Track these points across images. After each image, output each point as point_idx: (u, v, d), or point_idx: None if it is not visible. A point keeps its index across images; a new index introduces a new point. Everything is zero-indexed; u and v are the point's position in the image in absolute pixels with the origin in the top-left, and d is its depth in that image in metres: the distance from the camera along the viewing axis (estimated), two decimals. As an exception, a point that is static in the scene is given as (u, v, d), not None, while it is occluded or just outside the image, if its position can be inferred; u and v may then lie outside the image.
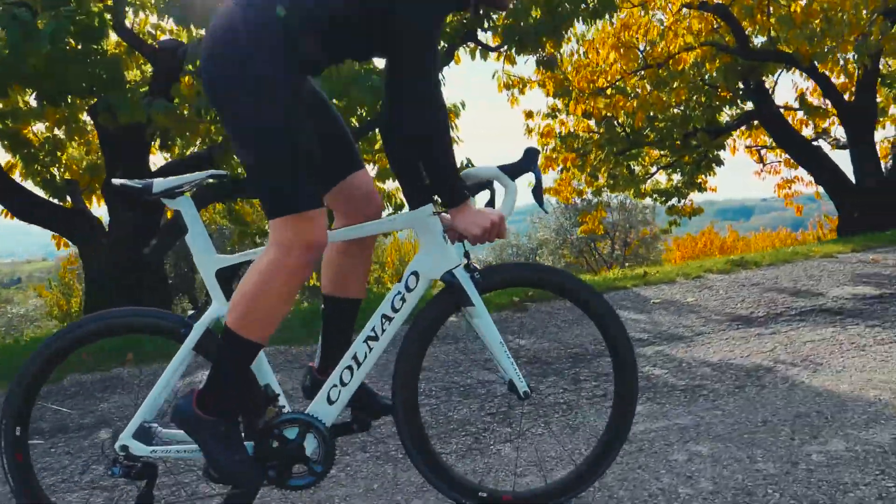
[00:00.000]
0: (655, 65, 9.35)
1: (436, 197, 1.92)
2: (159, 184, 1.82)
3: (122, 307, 1.99)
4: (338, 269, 2.04)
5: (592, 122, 11.92)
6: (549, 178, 12.72)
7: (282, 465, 1.88)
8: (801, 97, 10.22)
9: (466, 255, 1.96)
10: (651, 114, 9.94)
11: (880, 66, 10.19)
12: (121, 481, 2.14)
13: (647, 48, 9.43)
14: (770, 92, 11.06)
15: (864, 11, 8.38)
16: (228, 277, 1.89)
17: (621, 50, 9.69)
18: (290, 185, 1.73)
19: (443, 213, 1.93)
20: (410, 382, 1.98)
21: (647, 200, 16.95)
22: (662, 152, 12.76)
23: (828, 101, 10.33)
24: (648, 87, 9.53)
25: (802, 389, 2.99)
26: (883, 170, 10.38)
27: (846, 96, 10.17)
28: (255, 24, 1.70)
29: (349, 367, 1.92)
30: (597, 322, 2.03)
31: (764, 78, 11.06)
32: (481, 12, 1.84)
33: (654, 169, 14.05)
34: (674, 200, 14.92)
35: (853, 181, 10.51)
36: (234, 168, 9.58)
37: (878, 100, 10.80)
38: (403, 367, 1.97)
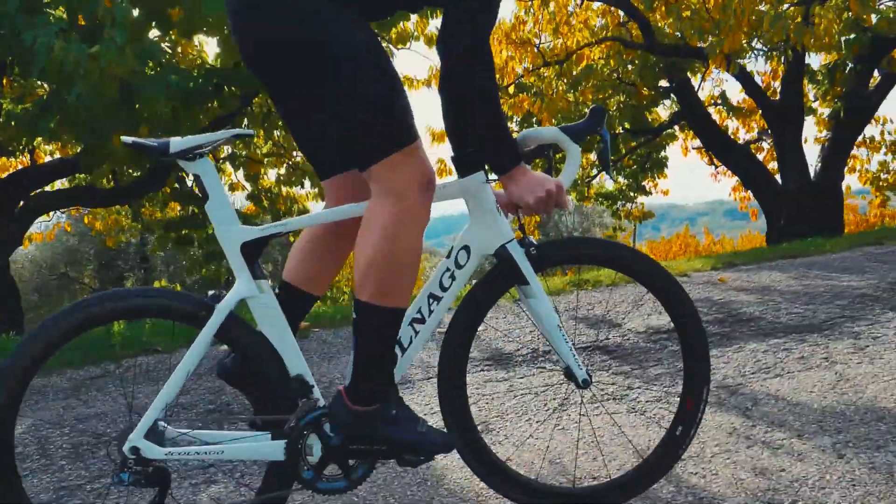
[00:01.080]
0: (555, 62, 8.70)
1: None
2: (177, 143, 1.64)
3: (131, 287, 1.54)
4: (312, 256, 1.85)
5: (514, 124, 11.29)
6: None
7: (317, 465, 1.70)
8: (723, 95, 9.52)
9: (521, 228, 1.84)
10: (559, 114, 9.30)
11: (807, 63, 9.45)
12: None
13: (547, 44, 8.79)
14: (696, 90, 10.36)
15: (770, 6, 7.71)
16: (255, 252, 1.71)
17: (527, 47, 9.04)
18: (392, 115, 1.56)
19: (496, 182, 1.81)
20: (457, 369, 1.87)
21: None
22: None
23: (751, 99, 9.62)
24: (554, 86, 8.91)
25: (440, 473, 2.39)
26: (811, 172, 9.63)
27: (771, 94, 9.45)
28: None
29: None
30: (666, 306, 1.91)
31: (690, 75, 10.40)
32: None
33: (594, 172, 13.41)
34: (619, 204, 14.25)
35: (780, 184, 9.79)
36: (106, 174, 9.08)
37: (812, 97, 10.07)
38: (449, 353, 1.86)
